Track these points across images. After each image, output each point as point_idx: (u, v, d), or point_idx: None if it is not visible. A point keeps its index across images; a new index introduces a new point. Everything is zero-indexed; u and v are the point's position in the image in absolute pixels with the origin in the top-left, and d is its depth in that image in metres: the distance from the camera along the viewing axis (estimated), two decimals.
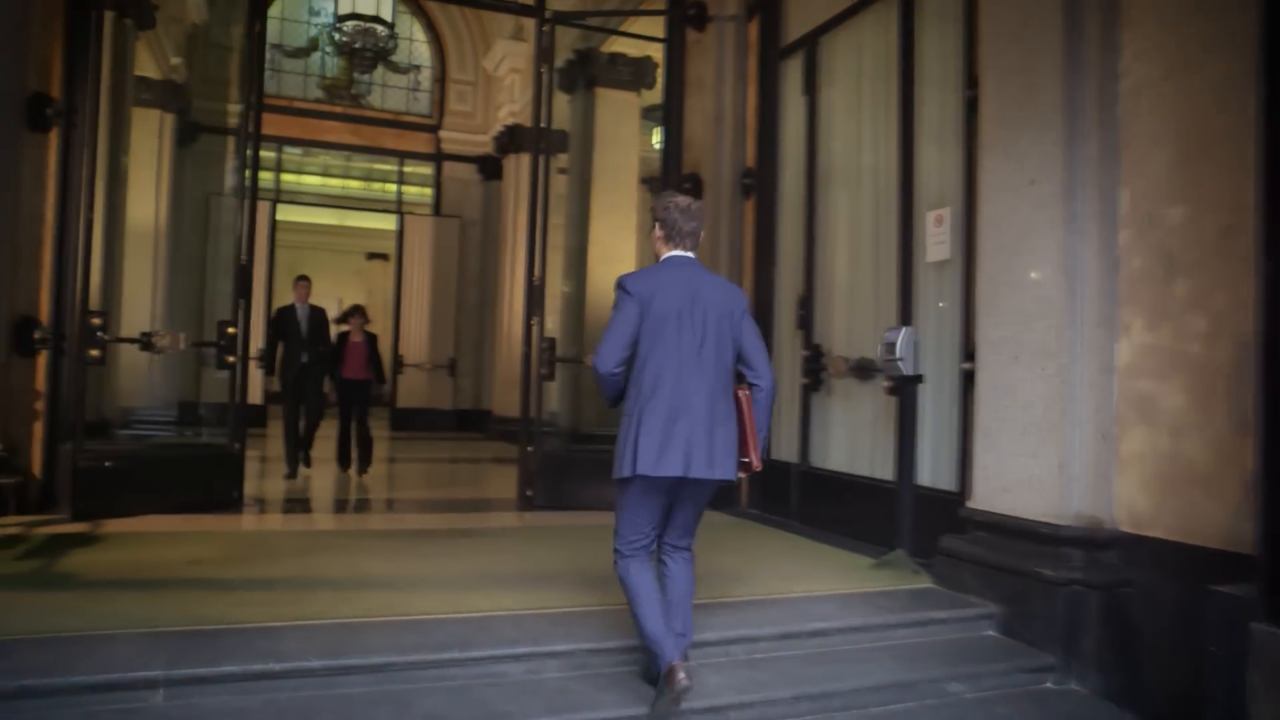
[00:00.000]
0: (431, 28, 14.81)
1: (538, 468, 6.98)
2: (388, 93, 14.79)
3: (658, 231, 3.40)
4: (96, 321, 5.78)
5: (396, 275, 14.40)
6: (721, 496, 7.44)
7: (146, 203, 11.69)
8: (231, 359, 6.33)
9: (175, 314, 13.38)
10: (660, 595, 3.29)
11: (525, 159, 13.05)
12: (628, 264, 10.67)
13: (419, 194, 17.43)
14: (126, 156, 9.31)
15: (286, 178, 19.77)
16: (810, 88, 6.83)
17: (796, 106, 7.03)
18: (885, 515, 5.52)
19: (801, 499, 6.65)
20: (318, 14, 14.23)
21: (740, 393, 3.32)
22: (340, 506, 7.33)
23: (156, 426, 11.34)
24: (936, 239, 5.29)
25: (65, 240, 6.18)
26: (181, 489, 6.18)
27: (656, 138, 13.24)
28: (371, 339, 9.04)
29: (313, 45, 14.34)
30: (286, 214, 20.56)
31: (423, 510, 7.17)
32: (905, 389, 5.06)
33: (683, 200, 3.38)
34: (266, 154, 14.90)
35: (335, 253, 21.32)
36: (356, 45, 11.33)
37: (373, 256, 21.44)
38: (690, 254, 3.37)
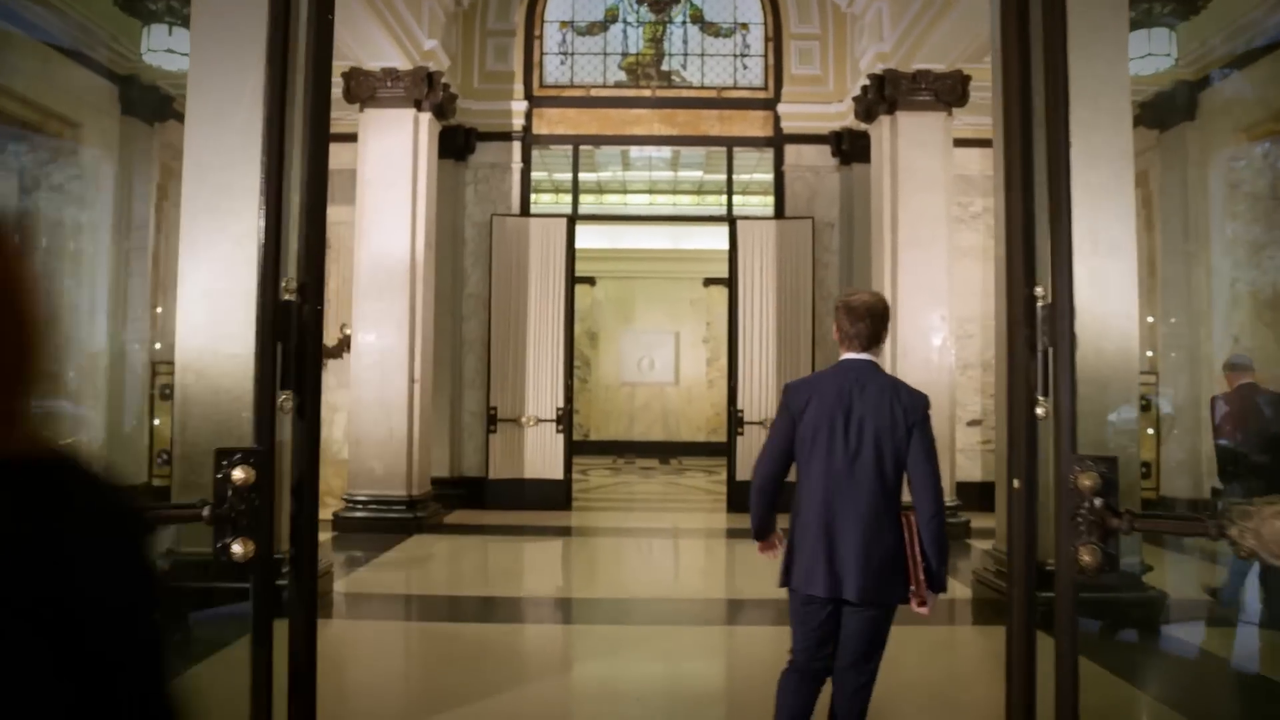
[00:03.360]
0: None
1: None
2: (707, 64, 10.87)
3: (834, 333, 3.16)
4: None
5: (730, 301, 10.37)
6: None
7: (395, 229, 8.63)
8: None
9: (438, 376, 10.35)
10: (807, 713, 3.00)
11: (902, 119, 8.49)
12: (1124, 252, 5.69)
13: (757, 193, 13.42)
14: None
15: (610, 199, 16.80)
16: None
17: None
18: None
19: None
20: None
21: (908, 515, 2.94)
22: None
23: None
24: None
25: None
26: None
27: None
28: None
29: (611, 16, 10.82)
30: (611, 240, 17.65)
31: None
32: None
33: (854, 299, 3.12)
34: (558, 174, 11.60)
35: (669, 280, 17.95)
36: None
37: (711, 282, 17.79)
38: (863, 355, 3.07)
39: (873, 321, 3.08)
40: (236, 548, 2.32)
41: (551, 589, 6.90)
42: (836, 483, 2.93)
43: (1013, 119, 2.63)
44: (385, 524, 8.30)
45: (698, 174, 15.35)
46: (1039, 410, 2.50)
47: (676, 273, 17.85)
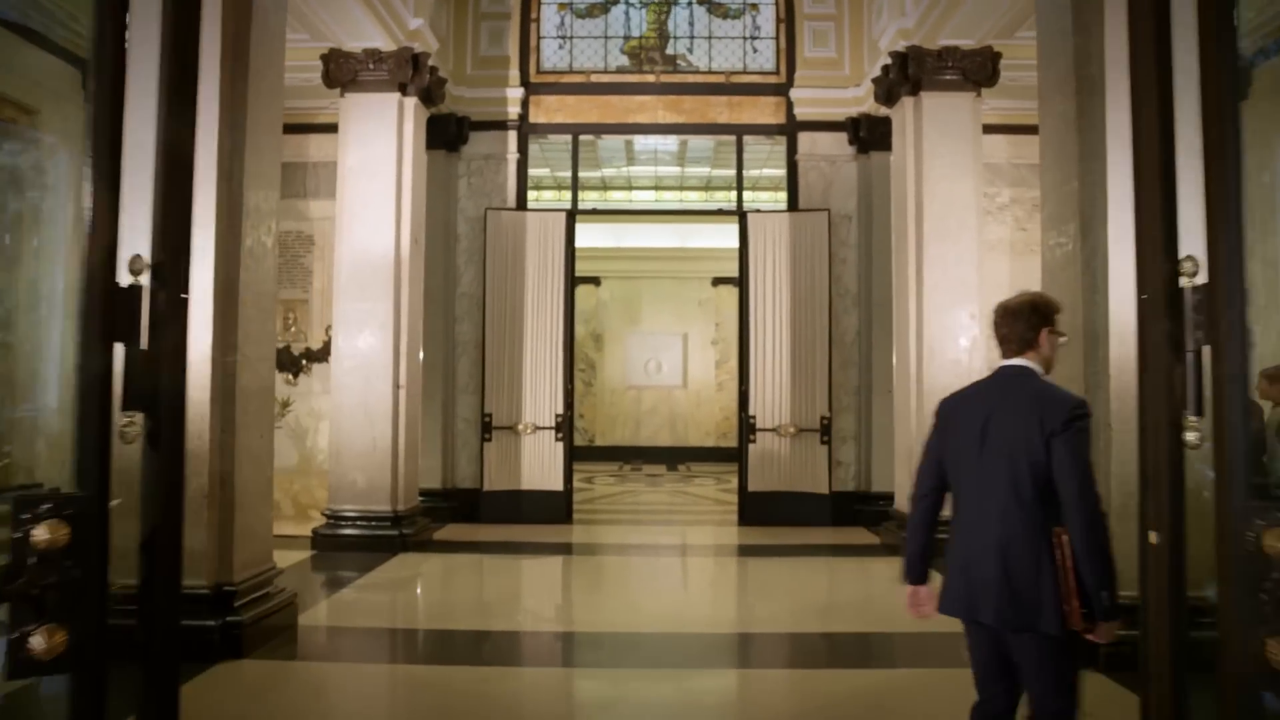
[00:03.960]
0: None
1: None
2: (715, 47, 10.15)
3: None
4: None
5: (740, 300, 9.64)
6: None
7: (379, 223, 7.93)
8: None
9: (429, 381, 9.67)
10: None
11: (927, 100, 7.80)
12: None
13: (768, 189, 12.70)
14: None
15: (615, 195, 16.10)
16: None
17: None
18: None
19: None
20: None
21: (1059, 532, 2.63)
22: None
23: None
24: None
25: None
26: None
27: None
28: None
29: None
30: (617, 238, 16.94)
31: None
32: None
33: (1009, 299, 2.88)
34: (560, 171, 10.88)
35: (676, 279, 17.23)
36: None
37: (720, 281, 17.05)
38: (1016, 361, 2.82)
39: (1015, 322, 2.82)
40: (37, 640, 1.58)
41: (550, 621, 6.15)
42: (974, 500, 2.77)
43: (1142, 17, 1.88)
44: (368, 542, 7.59)
45: (705, 170, 14.62)
46: (1189, 435, 1.76)
47: (684, 272, 17.13)
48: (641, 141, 12.03)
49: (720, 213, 11.34)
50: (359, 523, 7.68)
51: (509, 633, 5.50)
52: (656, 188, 15.83)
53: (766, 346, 9.42)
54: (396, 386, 7.82)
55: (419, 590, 6.78)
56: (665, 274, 17.12)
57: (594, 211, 11.36)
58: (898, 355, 8.27)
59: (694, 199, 16.08)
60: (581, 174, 14.98)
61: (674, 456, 16.81)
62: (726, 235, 16.12)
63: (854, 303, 9.60)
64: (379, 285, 7.79)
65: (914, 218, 7.90)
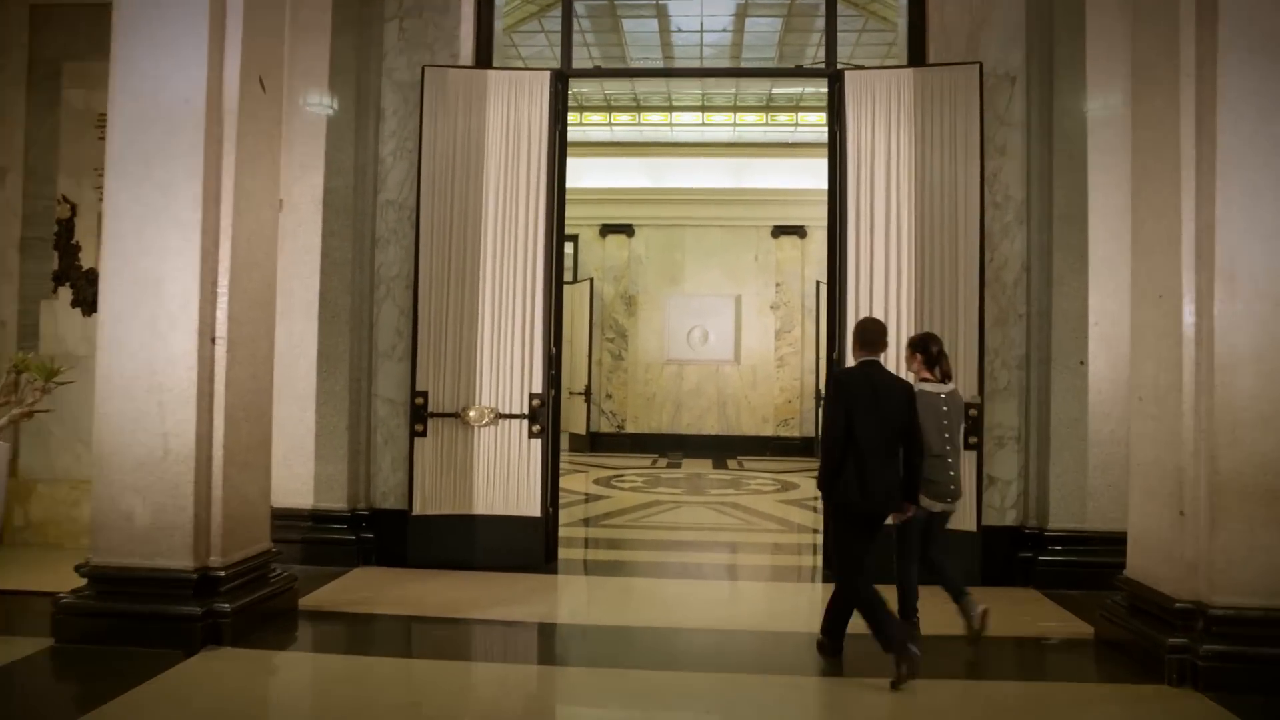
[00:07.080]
0: None
1: None
2: None
3: None
4: None
5: (831, 218, 5.70)
6: None
7: (180, 46, 4.13)
8: None
9: (328, 339, 5.80)
10: None
11: None
12: None
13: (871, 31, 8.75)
14: None
15: (653, 118, 12.33)
16: None
17: None
18: None
19: None
20: None
21: None
22: None
23: None
24: None
25: None
26: None
27: None
28: None
29: None
30: (653, 177, 13.09)
31: None
32: None
33: None
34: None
35: (727, 228, 13.33)
36: None
37: (782, 231, 13.07)
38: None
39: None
40: None
41: None
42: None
43: None
44: (150, 626, 3.91)
45: (765, 86, 10.65)
46: None
47: (737, 219, 13.20)
48: (680, 29, 8.12)
49: (802, 73, 7.43)
50: (132, 590, 3.99)
51: None
52: (703, 109, 11.95)
53: (874, 289, 5.50)
54: (210, 339, 4.10)
55: None
56: (714, 221, 13.21)
57: (598, 73, 7.63)
58: (1137, 293, 4.27)
59: (750, 123, 12.18)
60: (609, 89, 11.17)
61: (722, 448, 12.95)
62: (790, 173, 12.16)
63: (1018, 218, 5.61)
64: (177, 156, 4.05)
65: (1191, 16, 3.89)
